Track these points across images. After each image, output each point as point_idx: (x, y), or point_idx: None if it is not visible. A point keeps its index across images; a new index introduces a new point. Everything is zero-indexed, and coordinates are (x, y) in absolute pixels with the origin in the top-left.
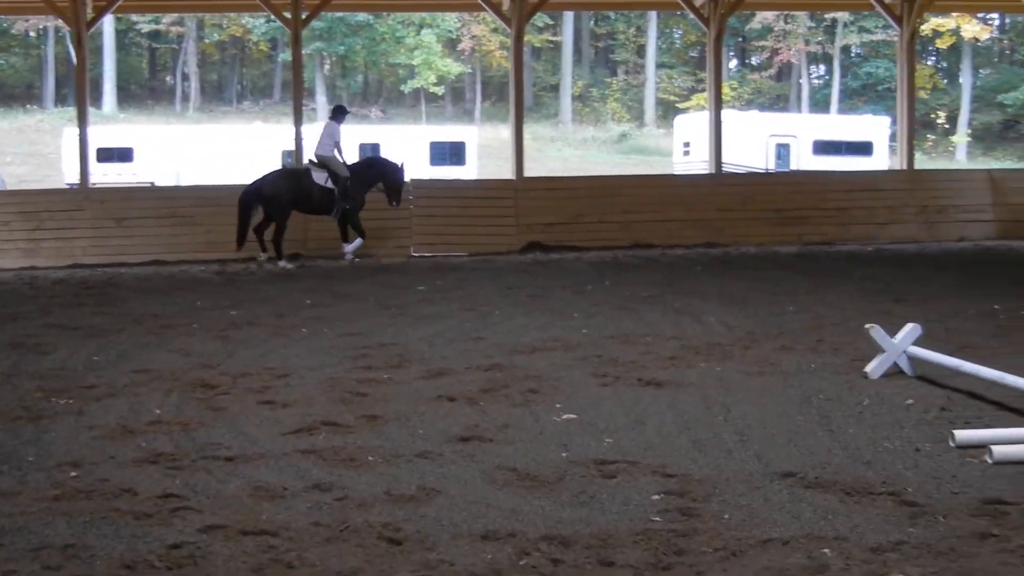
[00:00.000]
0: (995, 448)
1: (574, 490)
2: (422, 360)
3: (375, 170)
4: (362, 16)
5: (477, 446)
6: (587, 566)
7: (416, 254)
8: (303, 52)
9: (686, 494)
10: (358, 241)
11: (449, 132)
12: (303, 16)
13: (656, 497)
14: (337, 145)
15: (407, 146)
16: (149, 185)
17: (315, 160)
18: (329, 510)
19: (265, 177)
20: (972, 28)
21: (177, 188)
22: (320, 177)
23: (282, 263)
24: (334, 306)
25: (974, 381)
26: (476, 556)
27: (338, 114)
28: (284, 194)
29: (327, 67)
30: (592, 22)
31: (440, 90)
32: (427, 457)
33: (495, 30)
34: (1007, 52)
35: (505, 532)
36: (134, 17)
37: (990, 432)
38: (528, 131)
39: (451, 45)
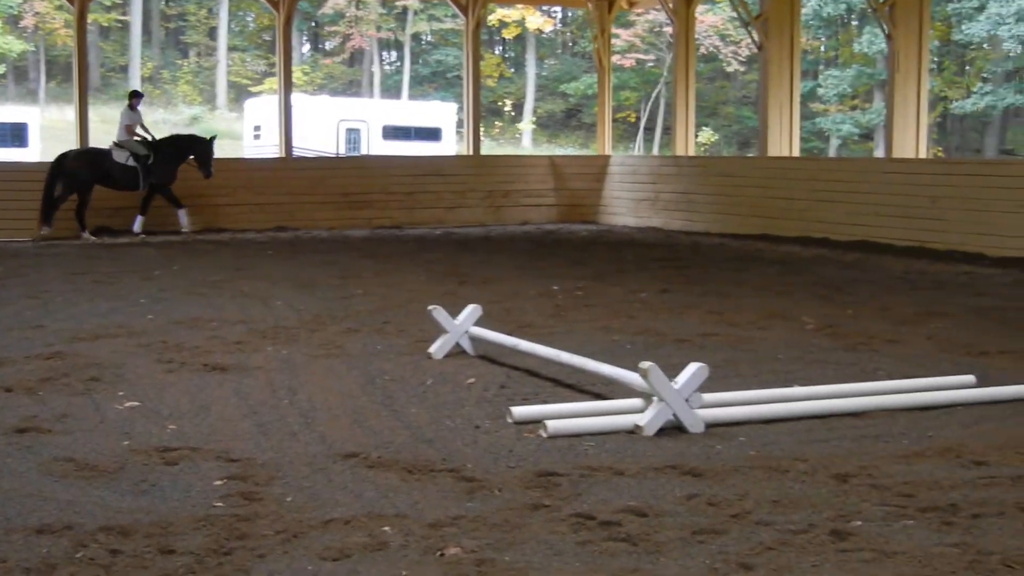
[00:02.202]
0: (549, 423)
1: (135, 479)
2: None
3: (181, 145)
4: None
5: (34, 437)
6: (146, 555)
7: None
8: None
9: (249, 478)
10: (182, 211)
11: (10, 113)
12: None
13: (219, 483)
14: (129, 128)
15: None
16: None
17: (118, 143)
18: None
19: (67, 153)
20: (536, 20)
21: None
22: (121, 156)
23: (84, 235)
24: None
25: (532, 359)
26: (30, 551)
27: (131, 98)
28: (83, 170)
29: None
30: (162, 2)
31: (1, 68)
32: None
33: (59, 7)
34: (569, 44)
35: (61, 524)
36: None
37: (545, 407)
38: (96, 113)
39: (13, 22)
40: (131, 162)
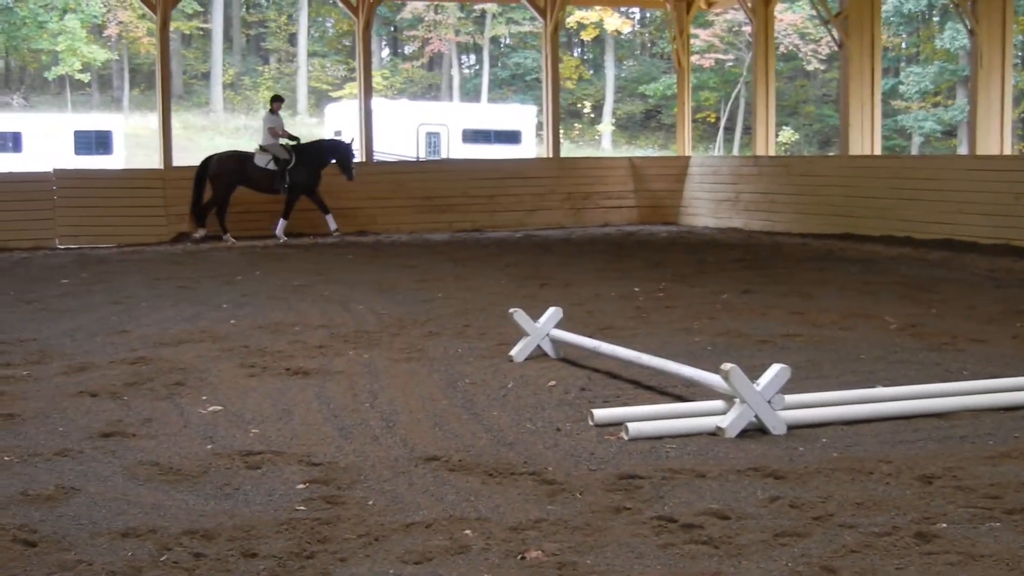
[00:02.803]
0: (631, 425)
1: (218, 482)
2: (63, 355)
3: (322, 149)
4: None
5: (119, 441)
6: (230, 558)
7: (62, 246)
8: None
9: (331, 482)
10: (282, 222)
11: (95, 120)
12: None
13: (301, 486)
14: (273, 131)
15: (50, 135)
16: None
17: (263, 147)
18: None
19: (212, 156)
20: (614, 21)
21: None
22: (262, 160)
23: (227, 237)
24: None
25: (612, 361)
26: (115, 554)
27: (272, 103)
28: (227, 173)
29: None
30: (243, 9)
31: (86, 77)
32: (67, 455)
33: (142, 16)
34: (647, 45)
35: (146, 528)
36: None
37: (626, 410)
38: (178, 120)
39: (97, 31)
40: (271, 165)
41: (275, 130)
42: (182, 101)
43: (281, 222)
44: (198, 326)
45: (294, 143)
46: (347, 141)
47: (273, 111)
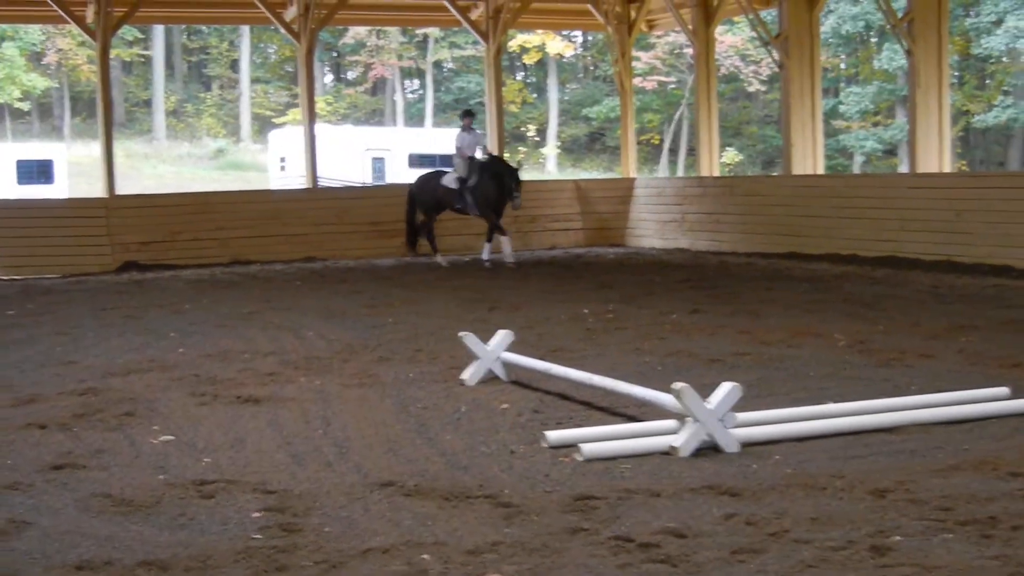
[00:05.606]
0: (584, 446)
1: (172, 513)
2: (10, 387)
3: (499, 170)
4: None
5: (70, 474)
6: None
7: (4, 277)
8: None
9: (286, 509)
10: (504, 243)
11: (36, 150)
12: None
13: (256, 514)
14: (460, 150)
15: None
16: None
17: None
18: None
19: (419, 177)
20: (557, 45)
21: None
22: (449, 178)
23: (437, 257)
24: None
25: (564, 383)
26: None
27: (462, 119)
28: (421, 193)
29: None
30: (184, 36)
31: (26, 106)
32: (17, 489)
33: (82, 44)
34: (590, 68)
35: (100, 561)
36: None
37: (580, 431)
38: (120, 148)
39: (36, 59)
40: (453, 184)
41: (461, 149)
42: (124, 129)
43: (504, 244)
44: (147, 355)
45: (480, 161)
46: (513, 165)
47: (464, 127)
